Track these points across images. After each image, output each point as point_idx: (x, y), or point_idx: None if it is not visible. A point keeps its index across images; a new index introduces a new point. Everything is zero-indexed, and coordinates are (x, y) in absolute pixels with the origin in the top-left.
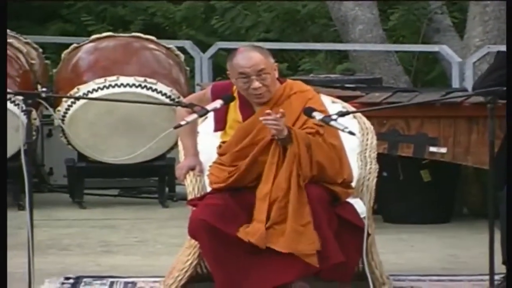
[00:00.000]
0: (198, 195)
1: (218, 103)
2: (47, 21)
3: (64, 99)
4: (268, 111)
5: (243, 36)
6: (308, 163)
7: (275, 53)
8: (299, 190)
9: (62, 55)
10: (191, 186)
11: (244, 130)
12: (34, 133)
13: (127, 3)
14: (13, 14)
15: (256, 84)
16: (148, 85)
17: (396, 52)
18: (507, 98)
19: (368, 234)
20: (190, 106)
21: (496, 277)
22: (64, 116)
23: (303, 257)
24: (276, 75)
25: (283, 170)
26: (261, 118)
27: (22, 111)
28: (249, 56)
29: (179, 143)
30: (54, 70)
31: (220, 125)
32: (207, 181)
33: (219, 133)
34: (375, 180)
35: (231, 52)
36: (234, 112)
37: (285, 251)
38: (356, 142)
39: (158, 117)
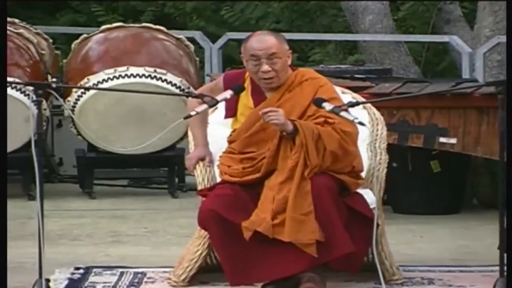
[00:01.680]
0: (208, 186)
1: (228, 94)
2: (58, 12)
3: (74, 90)
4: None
5: (253, 27)
6: (317, 153)
7: None
8: (302, 180)
9: (72, 46)
10: (201, 177)
11: (255, 116)
12: (44, 123)
13: None
14: (25, 5)
15: (266, 67)
16: (158, 76)
17: (406, 42)
18: (507, 94)
19: (378, 225)
20: (200, 97)
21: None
22: (74, 107)
23: (302, 246)
24: (289, 62)
25: (290, 160)
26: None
27: (33, 101)
28: (263, 39)
29: (189, 133)
30: (64, 61)
31: (230, 112)
32: (217, 171)
33: (229, 123)
34: (385, 170)
35: (244, 39)
36: (246, 98)
37: (285, 240)
38: (366, 133)
39: (168, 107)
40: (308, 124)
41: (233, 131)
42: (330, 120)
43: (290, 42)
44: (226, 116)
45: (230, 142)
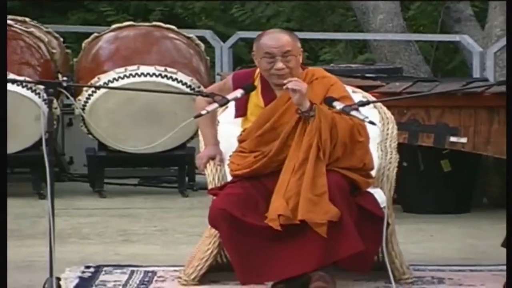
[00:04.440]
0: (219, 185)
1: (238, 93)
2: (69, 11)
3: (84, 89)
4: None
5: (263, 26)
6: (332, 139)
7: None
8: (317, 161)
9: (83, 45)
10: (211, 176)
11: (266, 115)
12: (54, 122)
13: None
14: (36, 4)
15: (280, 65)
16: (169, 75)
17: (416, 41)
18: (507, 96)
19: (388, 224)
20: (211, 96)
21: None
22: (84, 106)
23: (314, 226)
24: (300, 60)
25: (304, 143)
26: (285, 81)
27: (43, 100)
28: (277, 37)
29: (199, 132)
30: (75, 60)
31: (241, 111)
32: (227, 170)
33: (239, 122)
34: (395, 170)
35: (256, 38)
36: (256, 98)
37: (298, 219)
38: (377, 132)
39: (178, 106)
40: (326, 111)
41: (243, 130)
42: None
43: (300, 41)
44: (236, 116)
45: (240, 141)
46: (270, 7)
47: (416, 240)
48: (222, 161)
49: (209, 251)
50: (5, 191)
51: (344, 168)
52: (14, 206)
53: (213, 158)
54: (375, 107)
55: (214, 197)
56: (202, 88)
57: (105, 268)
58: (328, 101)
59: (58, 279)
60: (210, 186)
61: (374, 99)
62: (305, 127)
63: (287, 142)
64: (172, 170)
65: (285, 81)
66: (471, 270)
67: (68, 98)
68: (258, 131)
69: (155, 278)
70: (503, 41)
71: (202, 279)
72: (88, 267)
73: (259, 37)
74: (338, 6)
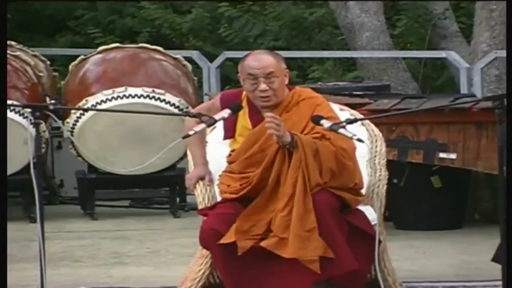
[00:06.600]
0: (209, 205)
1: (226, 113)
2: (57, 33)
3: (73, 111)
4: (273, 115)
5: (251, 45)
6: (317, 169)
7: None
8: (305, 196)
9: (70, 67)
10: (201, 196)
11: (253, 137)
12: (43, 145)
13: (136, 13)
14: (25, 27)
15: (263, 86)
16: (157, 96)
17: (404, 58)
18: (507, 100)
19: (380, 241)
20: (198, 116)
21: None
22: (73, 128)
23: (306, 263)
24: (286, 81)
25: (288, 176)
26: (266, 117)
27: (31, 123)
28: (260, 58)
29: (188, 153)
30: (62, 82)
31: (229, 133)
32: (217, 190)
33: (228, 142)
34: (385, 187)
35: (241, 58)
36: (244, 119)
37: (289, 256)
38: (365, 149)
39: (167, 127)
40: (307, 138)
41: (232, 151)
42: (326, 136)
43: (288, 59)
44: (225, 137)
45: (229, 162)
46: (258, 26)
47: (408, 257)
48: (211, 181)
49: (201, 272)
50: (5, 214)
51: (334, 187)
52: None
53: (202, 178)
54: (363, 124)
55: (205, 218)
56: (190, 108)
57: None
58: (316, 119)
59: None
60: (200, 207)
61: (362, 116)
62: (290, 158)
63: (270, 168)
64: (163, 191)
65: (265, 115)
66: (464, 286)
67: (56, 121)
68: (246, 153)
69: None
70: (489, 57)
71: None
72: None
73: (244, 59)
74: (326, 24)
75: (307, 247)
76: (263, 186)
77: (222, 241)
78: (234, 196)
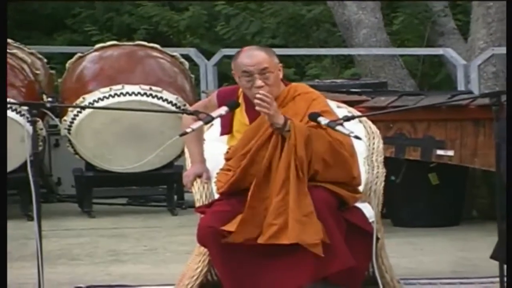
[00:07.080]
0: (206, 202)
1: (223, 110)
2: (55, 32)
3: (70, 109)
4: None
5: (248, 43)
6: (307, 155)
7: (281, 59)
8: (298, 180)
9: (67, 65)
10: (198, 194)
11: (250, 132)
12: (41, 143)
13: (133, 11)
14: (24, 26)
15: (259, 82)
16: (154, 93)
17: (401, 56)
18: (507, 99)
19: (377, 239)
20: (195, 114)
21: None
22: (70, 126)
23: (309, 247)
24: (281, 75)
25: (281, 161)
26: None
27: (28, 121)
28: (253, 54)
29: (186, 150)
30: (59, 80)
31: (226, 129)
32: (214, 188)
33: (225, 139)
34: (382, 184)
35: (234, 56)
36: (241, 115)
37: (290, 242)
38: (363, 147)
39: (165, 125)
40: (301, 125)
41: (230, 148)
42: (323, 127)
43: (286, 57)
44: (222, 133)
45: (227, 159)
46: (255, 23)
47: (406, 254)
48: (208, 178)
49: (199, 269)
50: (5, 212)
51: (331, 182)
52: None
53: (199, 176)
54: (360, 122)
55: (202, 215)
56: (187, 106)
57: None
58: (313, 116)
59: None
60: (197, 204)
61: (359, 114)
62: (283, 144)
63: (258, 154)
64: (161, 189)
65: (255, 101)
66: (462, 283)
67: (53, 119)
68: (244, 149)
69: None
70: (486, 54)
71: None
72: None
73: (236, 56)
74: (323, 21)
75: (307, 231)
76: (252, 175)
77: (225, 228)
78: (226, 187)
